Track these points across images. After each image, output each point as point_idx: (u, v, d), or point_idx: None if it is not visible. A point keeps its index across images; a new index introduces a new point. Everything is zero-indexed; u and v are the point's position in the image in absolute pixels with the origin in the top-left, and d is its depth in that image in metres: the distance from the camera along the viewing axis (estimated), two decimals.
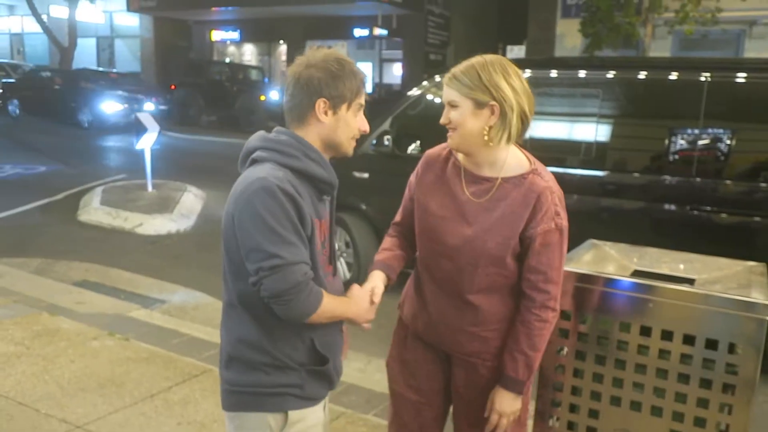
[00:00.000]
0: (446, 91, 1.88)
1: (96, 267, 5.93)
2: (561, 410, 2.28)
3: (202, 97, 19.16)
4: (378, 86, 23.04)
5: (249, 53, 26.74)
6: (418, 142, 5.11)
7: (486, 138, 1.83)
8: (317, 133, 1.73)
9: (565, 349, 2.26)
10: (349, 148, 1.78)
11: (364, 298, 1.86)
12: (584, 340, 2.21)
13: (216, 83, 19.27)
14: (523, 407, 2.01)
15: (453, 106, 1.86)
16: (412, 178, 2.09)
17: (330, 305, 1.72)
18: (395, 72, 22.93)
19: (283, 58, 25.66)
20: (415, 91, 5.25)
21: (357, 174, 5.35)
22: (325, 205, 1.79)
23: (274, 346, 1.71)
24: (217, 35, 25.48)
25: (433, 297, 2.00)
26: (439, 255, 1.95)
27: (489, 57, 1.86)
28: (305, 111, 1.71)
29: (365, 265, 5.31)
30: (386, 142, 5.15)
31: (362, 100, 1.76)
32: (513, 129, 1.83)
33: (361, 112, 1.79)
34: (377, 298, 1.88)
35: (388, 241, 2.15)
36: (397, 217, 2.18)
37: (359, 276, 5.33)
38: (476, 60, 1.85)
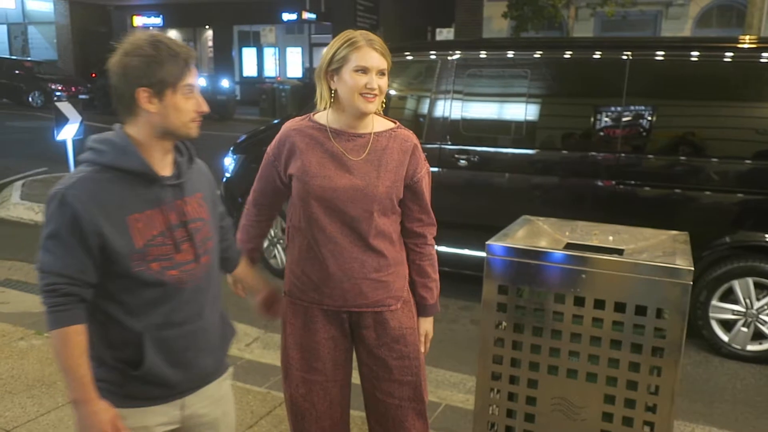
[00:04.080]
0: (379, 59, 1.95)
1: (19, 264, 5.65)
2: (501, 382, 2.34)
3: None
4: (309, 71, 22.80)
5: None
6: None
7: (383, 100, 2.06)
8: (149, 123, 1.62)
9: (504, 323, 2.31)
10: (189, 131, 1.66)
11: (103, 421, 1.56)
12: (522, 312, 2.26)
13: None
14: None
15: (383, 73, 1.98)
16: (273, 151, 2.13)
17: (62, 347, 1.55)
18: None
19: (210, 44, 25.02)
20: None
21: None
22: (165, 193, 1.65)
23: (97, 339, 1.64)
24: (138, 20, 24.57)
25: (333, 255, 2.05)
26: (334, 211, 2.02)
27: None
28: (130, 102, 1.60)
29: None
30: None
31: (190, 80, 1.62)
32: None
33: (195, 93, 1.65)
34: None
35: (252, 231, 2.30)
36: (258, 195, 2.24)
37: None
38: (366, 31, 2.02)
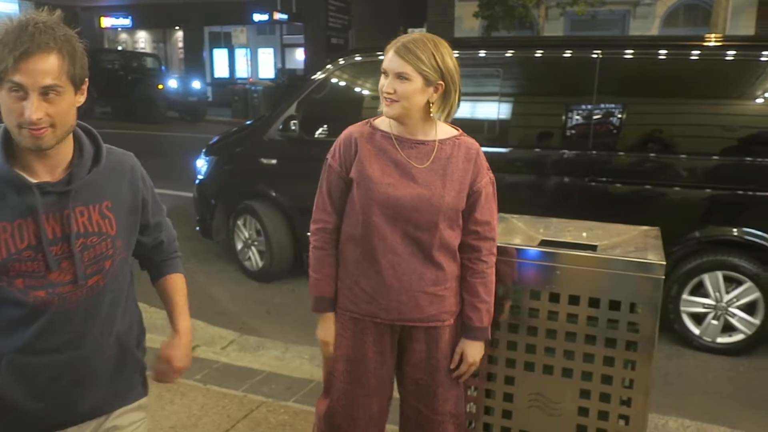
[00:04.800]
0: (397, 62, 1.89)
1: None
2: (479, 380, 2.35)
3: (94, 87, 18.13)
4: (281, 71, 22.70)
5: (143, 40, 25.64)
6: (326, 126, 5.09)
7: (430, 112, 1.96)
8: None
9: None
10: (20, 138, 1.36)
11: None
12: (499, 310, 2.27)
13: (108, 72, 18.33)
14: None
15: (404, 78, 1.89)
16: (334, 159, 2.05)
17: None
18: (298, 57, 22.66)
19: (180, 45, 24.77)
20: (319, 75, 5.19)
21: (265, 161, 5.26)
22: (43, 201, 1.41)
23: None
24: (107, 22, 24.25)
25: (392, 265, 1.99)
26: (397, 219, 1.96)
27: (434, 36, 1.95)
28: None
29: (277, 252, 5.24)
30: (293, 127, 5.09)
31: (18, 77, 1.30)
32: (454, 106, 1.98)
33: (28, 95, 1.32)
34: None
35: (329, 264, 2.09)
36: (328, 217, 2.07)
37: (272, 264, 5.26)
38: (427, 38, 1.92)
